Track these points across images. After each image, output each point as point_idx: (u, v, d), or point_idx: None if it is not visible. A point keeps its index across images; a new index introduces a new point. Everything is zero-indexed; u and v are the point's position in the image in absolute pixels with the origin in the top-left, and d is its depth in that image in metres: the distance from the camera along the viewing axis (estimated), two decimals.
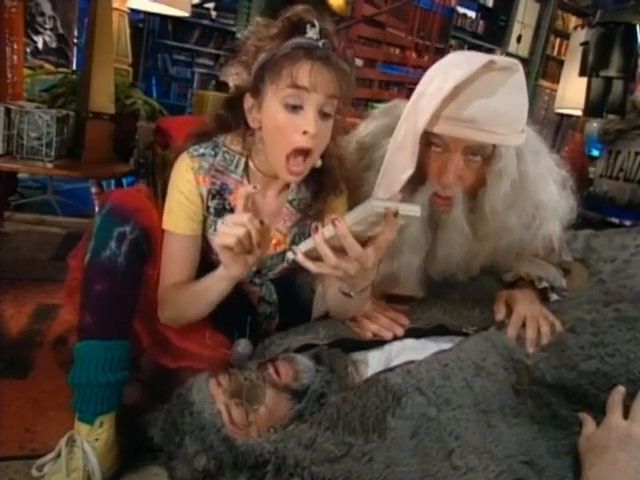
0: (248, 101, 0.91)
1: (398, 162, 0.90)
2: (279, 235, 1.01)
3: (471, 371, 0.85)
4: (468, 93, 0.82)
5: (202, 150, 0.96)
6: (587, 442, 0.74)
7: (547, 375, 0.83)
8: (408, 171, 0.87)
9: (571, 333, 0.88)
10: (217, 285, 0.88)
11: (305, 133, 0.84)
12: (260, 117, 0.89)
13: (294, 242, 1.01)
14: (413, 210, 0.75)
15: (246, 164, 0.97)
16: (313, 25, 0.86)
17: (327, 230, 0.72)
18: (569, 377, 0.82)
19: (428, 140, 0.89)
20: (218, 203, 0.97)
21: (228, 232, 0.77)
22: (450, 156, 0.89)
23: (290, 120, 0.85)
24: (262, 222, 0.79)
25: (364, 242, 0.75)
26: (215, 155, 0.96)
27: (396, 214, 0.71)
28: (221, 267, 0.85)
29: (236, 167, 0.97)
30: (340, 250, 0.73)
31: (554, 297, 1.06)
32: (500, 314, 0.97)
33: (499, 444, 0.74)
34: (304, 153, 0.87)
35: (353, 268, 0.74)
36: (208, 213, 0.97)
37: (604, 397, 0.78)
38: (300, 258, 0.75)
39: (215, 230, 0.97)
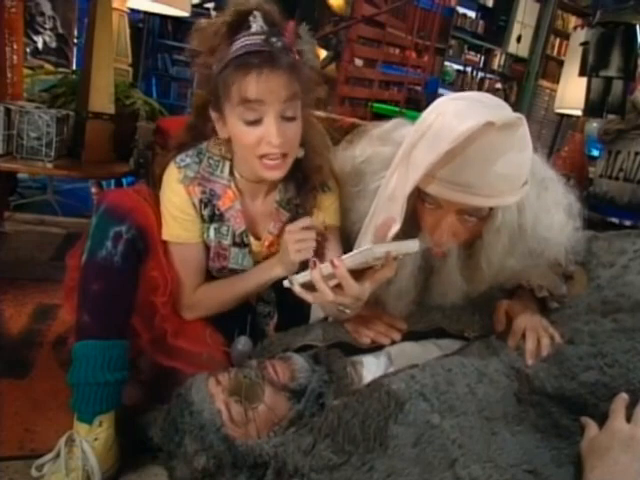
0: (214, 114, 0.90)
1: (387, 211, 0.85)
2: (271, 237, 1.02)
3: (474, 377, 0.84)
4: (464, 157, 0.75)
5: (188, 160, 0.95)
6: (589, 445, 0.73)
7: (547, 385, 0.82)
8: (395, 227, 0.82)
9: (570, 344, 0.87)
10: (269, 272, 0.97)
11: (269, 143, 0.84)
12: (227, 130, 0.89)
13: None
14: (411, 247, 0.76)
15: (231, 167, 0.97)
16: (254, 16, 0.82)
17: (325, 267, 0.73)
18: (569, 387, 0.81)
19: (421, 196, 0.85)
20: (210, 210, 0.97)
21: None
22: (443, 215, 0.84)
23: (251, 133, 0.84)
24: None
25: (363, 273, 0.76)
26: (200, 162, 0.96)
27: (396, 258, 0.72)
28: (275, 259, 0.97)
29: (222, 172, 0.97)
30: (336, 284, 0.74)
31: (554, 304, 1.04)
32: (500, 325, 0.96)
33: (503, 453, 0.73)
34: (276, 154, 0.86)
35: (349, 301, 0.75)
36: (203, 221, 0.98)
37: (604, 407, 0.77)
38: (297, 289, 0.76)
39: (208, 236, 0.99)
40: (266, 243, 1.02)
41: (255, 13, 0.82)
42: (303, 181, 0.99)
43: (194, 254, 0.98)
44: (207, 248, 1.00)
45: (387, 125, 1.02)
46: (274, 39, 0.82)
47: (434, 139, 0.77)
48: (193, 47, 0.87)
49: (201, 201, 0.96)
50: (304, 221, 0.92)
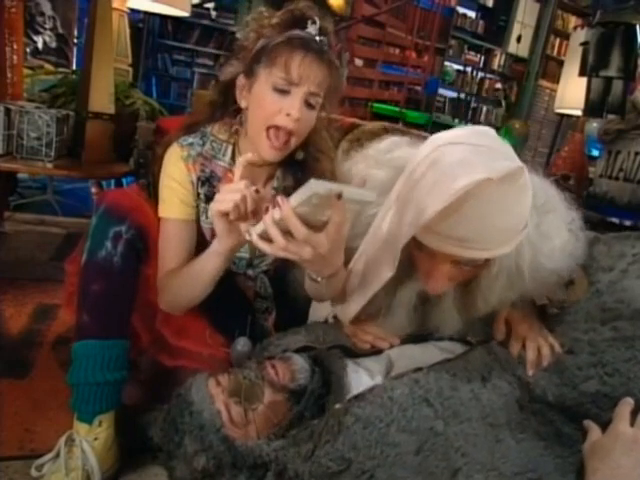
0: (241, 80, 0.94)
1: (380, 255, 0.83)
2: None
3: (478, 383, 0.83)
4: (461, 213, 0.71)
5: (191, 140, 0.98)
6: (592, 447, 0.73)
7: (548, 393, 0.82)
8: (387, 274, 0.81)
9: (569, 354, 0.87)
10: (211, 262, 0.85)
11: (288, 115, 0.88)
12: (249, 97, 0.93)
13: None
14: (366, 195, 0.72)
15: (233, 152, 0.99)
16: (314, 22, 0.89)
17: (276, 212, 0.69)
18: (570, 396, 0.81)
19: (416, 243, 0.81)
20: (208, 190, 0.98)
21: (225, 198, 0.76)
22: (439, 262, 0.80)
23: (276, 102, 0.89)
24: (257, 190, 0.78)
25: (320, 227, 0.72)
26: (203, 144, 0.98)
27: (340, 196, 0.67)
28: (215, 242, 0.83)
29: (224, 155, 0.99)
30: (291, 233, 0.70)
31: (553, 310, 1.02)
32: (500, 334, 0.95)
33: (507, 461, 0.72)
34: (286, 132, 0.90)
35: (306, 252, 0.71)
36: (199, 200, 0.98)
37: (606, 416, 0.77)
38: (254, 239, 0.73)
39: (207, 217, 0.99)
40: None
41: (315, 19, 0.90)
42: (302, 174, 1.01)
43: (182, 232, 0.95)
44: (201, 235, 0.99)
45: (382, 145, 1.00)
46: (323, 41, 0.91)
47: (427, 194, 0.73)
48: (247, 24, 0.95)
49: (199, 179, 0.97)
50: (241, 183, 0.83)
